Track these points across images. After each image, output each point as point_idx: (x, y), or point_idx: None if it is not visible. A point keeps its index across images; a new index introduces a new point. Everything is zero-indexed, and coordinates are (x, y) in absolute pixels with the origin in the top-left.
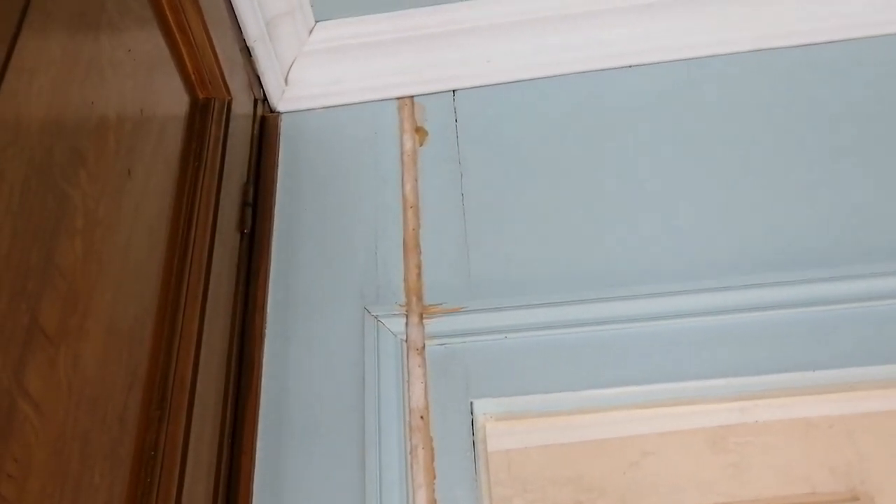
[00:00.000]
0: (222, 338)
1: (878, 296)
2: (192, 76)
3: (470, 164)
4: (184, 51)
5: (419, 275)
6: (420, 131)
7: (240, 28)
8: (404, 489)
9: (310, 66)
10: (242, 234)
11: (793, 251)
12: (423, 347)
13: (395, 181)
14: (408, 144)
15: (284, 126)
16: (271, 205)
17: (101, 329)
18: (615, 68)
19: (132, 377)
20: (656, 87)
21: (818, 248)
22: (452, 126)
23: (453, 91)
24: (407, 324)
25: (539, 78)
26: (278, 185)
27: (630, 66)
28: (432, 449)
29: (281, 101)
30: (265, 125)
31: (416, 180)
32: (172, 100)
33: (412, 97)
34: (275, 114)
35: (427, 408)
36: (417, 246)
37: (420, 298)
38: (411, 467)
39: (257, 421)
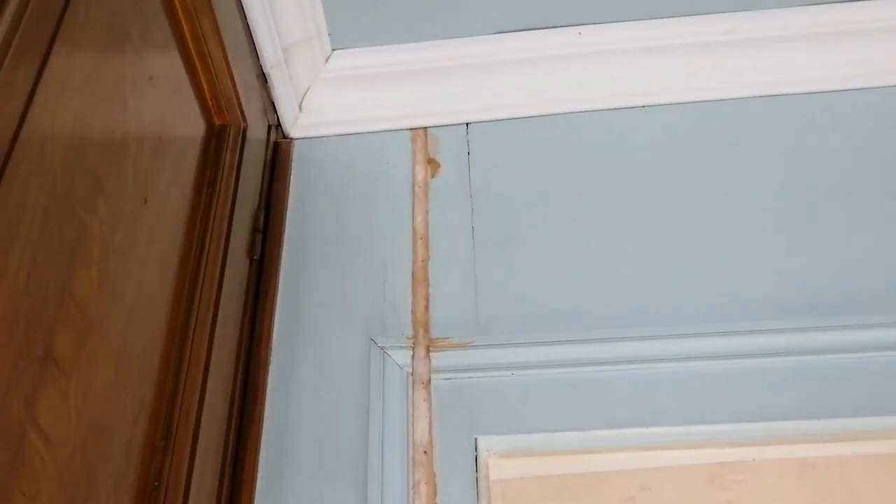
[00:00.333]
0: (228, 366)
1: (884, 346)
2: (210, 102)
3: (481, 198)
4: (202, 77)
5: (427, 307)
6: (432, 163)
7: (257, 55)
8: None
9: (325, 94)
10: (251, 260)
11: (801, 298)
12: (429, 381)
13: (405, 212)
14: (419, 175)
15: (297, 152)
16: (281, 231)
17: (112, 359)
18: (628, 108)
19: (139, 407)
20: (668, 128)
21: (826, 295)
22: (465, 159)
23: (467, 124)
24: (413, 357)
25: (552, 114)
26: (288, 211)
27: (643, 107)
28: (435, 485)
29: (294, 127)
30: (278, 151)
31: (427, 212)
32: (189, 126)
33: (425, 128)
34: (288, 140)
35: (431, 443)
36: (426, 278)
37: (427, 331)
38: (413, 503)
39: (259, 452)
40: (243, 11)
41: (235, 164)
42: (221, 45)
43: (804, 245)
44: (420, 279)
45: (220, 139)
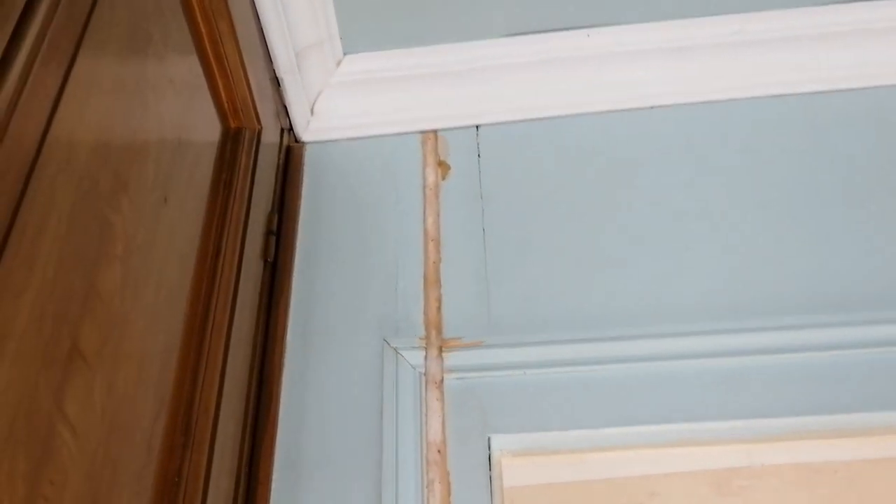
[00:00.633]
0: (243, 367)
1: (889, 342)
2: (226, 105)
3: (492, 199)
4: (219, 81)
5: (439, 308)
6: (443, 165)
7: (270, 58)
8: None
9: (336, 98)
10: (265, 262)
11: (805, 296)
12: (442, 381)
13: (416, 214)
14: (430, 178)
15: (309, 156)
16: (294, 234)
17: (135, 355)
18: (637, 109)
19: (160, 404)
20: (678, 129)
21: (830, 293)
22: (475, 161)
23: (477, 126)
24: (426, 357)
25: (562, 116)
26: (301, 214)
27: (651, 108)
28: (449, 483)
29: (306, 131)
30: (290, 155)
31: (438, 214)
32: (206, 128)
33: (436, 131)
34: (300, 143)
35: (444, 442)
36: (438, 280)
37: (440, 332)
38: (427, 502)
39: (274, 452)
40: (257, 14)
41: (250, 167)
42: (237, 48)
43: (809, 243)
44: (432, 281)
45: (235, 142)
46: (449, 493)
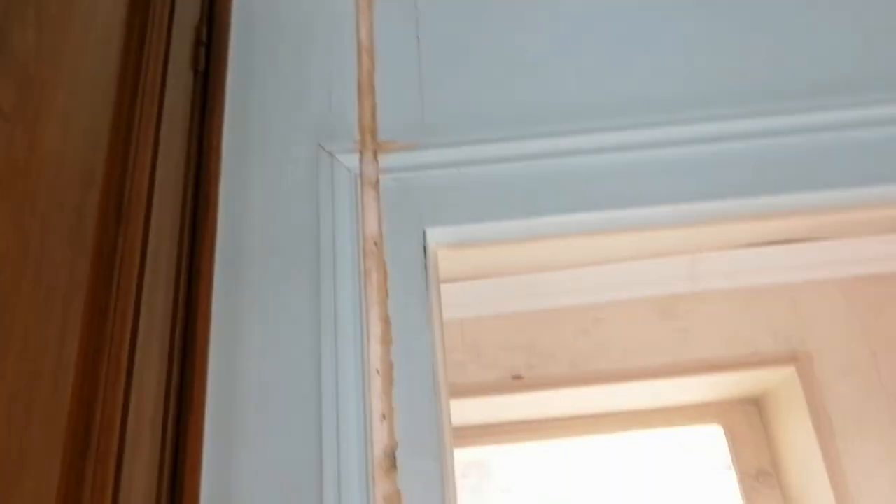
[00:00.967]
0: (176, 175)
1: (819, 128)
2: None
3: (426, 9)
4: None
5: (374, 115)
6: None
7: None
8: (358, 307)
9: None
10: (196, 72)
11: (750, 87)
12: (377, 181)
13: (350, 25)
14: None
15: None
16: (226, 46)
17: (57, 122)
18: None
19: (89, 177)
20: None
21: (767, 82)
22: None
23: None
24: (361, 160)
25: None
26: (233, 26)
27: None
28: (385, 272)
29: None
30: None
31: (372, 24)
32: None
33: None
34: None
35: (381, 235)
36: (372, 87)
37: (374, 136)
38: (365, 288)
39: (214, 249)
40: None
41: None
42: None
43: (744, 32)
44: (366, 89)
45: None
46: (385, 281)
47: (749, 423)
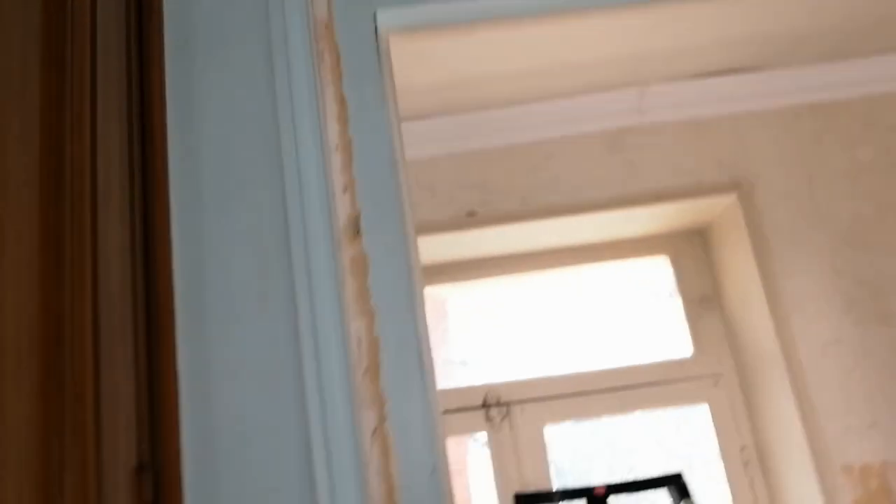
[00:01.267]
0: None
1: None
2: None
3: None
4: None
5: None
6: None
7: None
8: (313, 87)
9: None
10: None
11: None
12: None
13: None
14: None
15: None
16: None
17: None
18: None
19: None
20: None
21: None
22: None
23: None
24: None
25: None
26: None
27: None
28: (338, 54)
29: None
30: None
31: None
32: None
33: None
34: None
35: (331, 18)
36: None
37: None
38: (318, 68)
39: (163, 33)
40: None
41: None
42: None
43: None
44: None
45: None
46: (339, 63)
47: (693, 252)
